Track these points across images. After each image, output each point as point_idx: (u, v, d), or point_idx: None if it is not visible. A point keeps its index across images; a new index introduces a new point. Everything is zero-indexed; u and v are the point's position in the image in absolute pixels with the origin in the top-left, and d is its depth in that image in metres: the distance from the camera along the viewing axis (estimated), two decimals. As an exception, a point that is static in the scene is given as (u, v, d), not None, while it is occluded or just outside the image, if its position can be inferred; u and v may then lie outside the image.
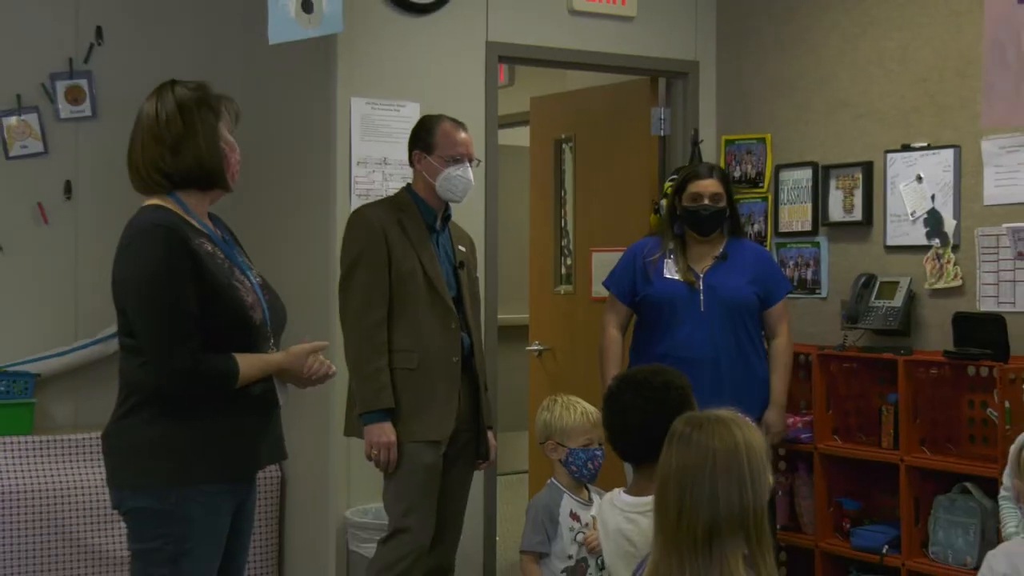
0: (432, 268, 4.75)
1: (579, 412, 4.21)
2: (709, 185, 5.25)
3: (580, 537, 4.12)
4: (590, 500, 4.21)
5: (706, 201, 5.23)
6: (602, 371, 5.30)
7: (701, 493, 2.78)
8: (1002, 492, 4.50)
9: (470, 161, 4.83)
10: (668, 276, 5.23)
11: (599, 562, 4.03)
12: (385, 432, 4.63)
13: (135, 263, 3.38)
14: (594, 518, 4.14)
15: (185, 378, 3.36)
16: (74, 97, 5.98)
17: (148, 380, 3.40)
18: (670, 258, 5.26)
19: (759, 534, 2.77)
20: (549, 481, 4.24)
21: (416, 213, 4.82)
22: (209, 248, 3.47)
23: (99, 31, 6.03)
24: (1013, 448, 4.23)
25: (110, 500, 3.52)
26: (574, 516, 4.13)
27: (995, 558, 3.40)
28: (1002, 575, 3.33)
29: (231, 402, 3.47)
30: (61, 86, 5.96)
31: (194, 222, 3.49)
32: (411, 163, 4.90)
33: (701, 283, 5.20)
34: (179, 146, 3.48)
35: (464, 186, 4.81)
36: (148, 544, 3.41)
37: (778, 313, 5.35)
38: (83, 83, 5.99)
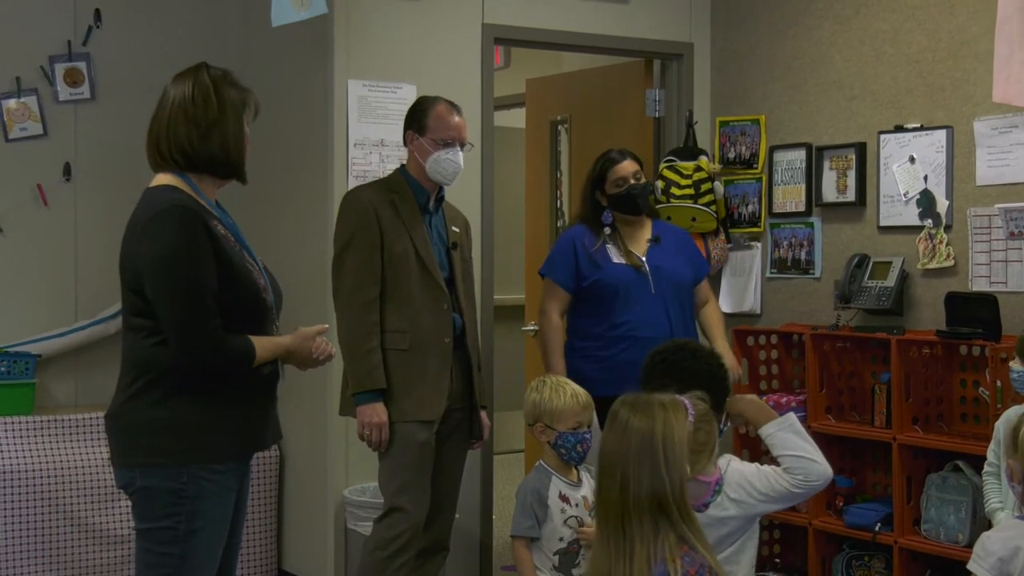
0: (424, 249, 4.78)
1: (569, 394, 4.19)
2: (628, 166, 5.32)
3: (572, 521, 4.12)
4: (579, 481, 4.22)
5: (632, 181, 5.30)
6: (548, 358, 5.28)
7: (615, 473, 2.86)
8: (986, 468, 4.56)
9: (461, 146, 4.85)
10: (616, 261, 5.26)
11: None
12: (377, 412, 4.67)
13: (157, 242, 3.38)
14: (585, 498, 4.16)
15: (207, 357, 3.40)
16: (73, 79, 6.00)
17: (163, 359, 3.42)
18: (611, 243, 5.30)
19: (684, 515, 2.84)
20: (537, 463, 4.24)
21: (409, 194, 4.84)
22: (222, 231, 3.49)
23: (97, 13, 6.06)
24: (1003, 426, 4.27)
25: (116, 480, 3.54)
26: (563, 498, 4.13)
27: (990, 540, 3.38)
28: (997, 558, 3.32)
29: (241, 382, 3.50)
30: (60, 68, 5.98)
31: (205, 204, 3.52)
32: (405, 143, 4.92)
33: (647, 266, 5.26)
34: (210, 131, 3.50)
35: (453, 170, 4.83)
36: (158, 523, 3.44)
37: (706, 287, 5.54)
38: (82, 65, 6.02)
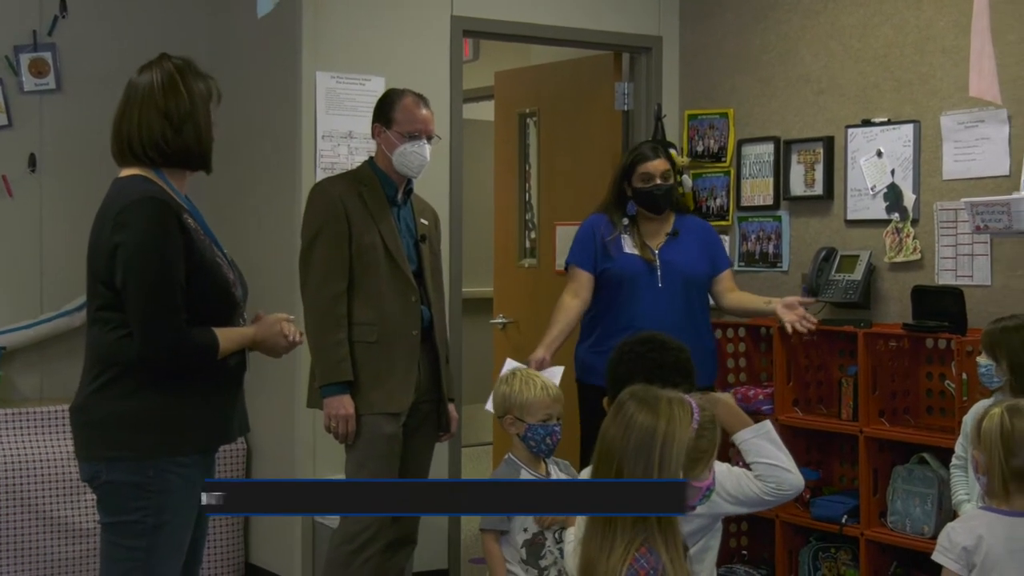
0: (392, 241, 4.77)
1: (539, 387, 4.18)
2: (659, 165, 5.31)
3: None
4: (548, 474, 4.22)
5: (658, 180, 5.29)
6: (549, 325, 5.30)
7: (611, 463, 2.83)
8: (954, 461, 4.59)
9: (428, 138, 4.85)
10: (628, 251, 5.29)
11: (556, 535, 4.07)
12: (343, 404, 4.66)
13: (128, 233, 3.37)
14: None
15: (172, 351, 3.39)
16: (38, 70, 5.96)
17: (128, 352, 3.40)
18: (626, 234, 5.32)
19: (662, 523, 2.79)
20: (506, 456, 4.23)
21: (377, 186, 4.83)
22: (192, 224, 3.48)
23: (63, 3, 6.01)
24: (971, 419, 4.29)
25: (81, 473, 3.52)
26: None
27: (955, 531, 3.42)
28: (962, 548, 3.36)
29: (208, 375, 3.49)
30: (25, 59, 5.94)
31: (177, 197, 3.50)
32: (373, 136, 4.92)
33: (658, 259, 5.27)
34: (183, 124, 3.48)
35: (419, 163, 4.82)
36: (125, 516, 3.42)
37: (729, 277, 5.48)
38: (47, 56, 5.97)
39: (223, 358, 3.49)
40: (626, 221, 5.32)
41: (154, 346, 3.38)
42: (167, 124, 3.47)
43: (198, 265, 3.43)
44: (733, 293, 5.46)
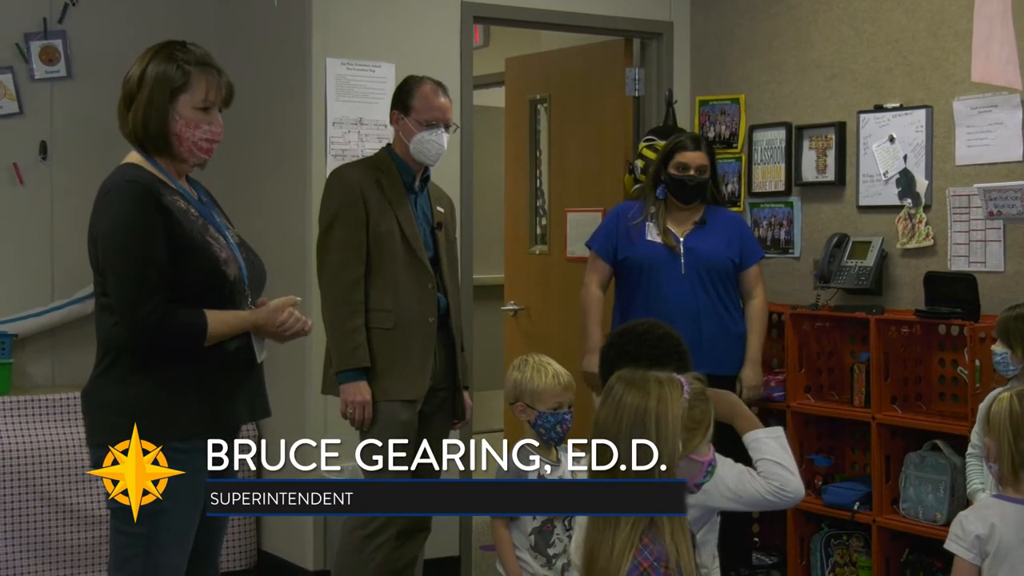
0: (410, 228, 4.76)
1: (551, 375, 4.17)
2: (697, 157, 5.37)
3: None
4: (558, 461, 4.21)
5: (692, 172, 5.35)
6: (584, 325, 5.42)
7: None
8: (970, 450, 4.57)
9: (447, 127, 4.83)
10: (650, 239, 5.35)
11: (565, 523, 4.07)
12: (360, 391, 4.66)
13: (106, 218, 3.39)
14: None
15: (151, 332, 3.36)
16: (49, 57, 5.96)
17: (120, 337, 3.41)
18: (652, 221, 5.36)
19: None
20: (520, 444, 4.23)
21: (395, 173, 4.82)
22: (182, 205, 3.46)
23: (73, -9, 6.02)
24: (982, 406, 4.28)
25: (90, 459, 3.53)
26: (542, 478, 4.13)
27: (967, 519, 3.42)
28: (975, 536, 3.36)
29: (206, 359, 3.47)
30: (36, 46, 5.94)
31: (168, 181, 3.49)
32: (391, 122, 4.91)
33: (681, 247, 5.29)
34: (129, 104, 3.50)
35: (436, 151, 4.80)
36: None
37: (754, 275, 5.49)
38: (58, 43, 5.97)
39: (220, 342, 3.47)
40: (653, 209, 5.35)
41: (135, 329, 3.37)
42: (123, 103, 3.52)
43: (183, 245, 3.42)
44: (749, 305, 5.47)
